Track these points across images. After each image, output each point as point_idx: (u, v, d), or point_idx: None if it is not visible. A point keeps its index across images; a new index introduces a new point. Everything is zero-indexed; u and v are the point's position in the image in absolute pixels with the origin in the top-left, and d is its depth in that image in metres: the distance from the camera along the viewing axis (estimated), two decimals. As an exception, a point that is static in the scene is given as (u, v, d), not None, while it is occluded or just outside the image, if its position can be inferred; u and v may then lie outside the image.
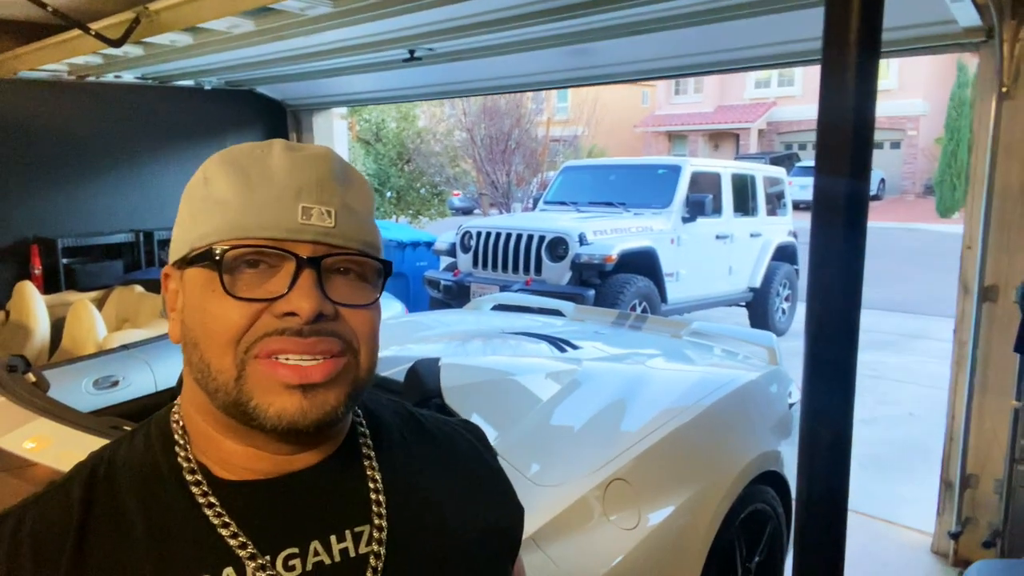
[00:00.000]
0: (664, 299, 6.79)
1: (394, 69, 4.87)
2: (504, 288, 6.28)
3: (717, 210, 7.40)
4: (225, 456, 0.64)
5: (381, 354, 2.51)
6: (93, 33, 3.73)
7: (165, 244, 5.50)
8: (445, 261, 7.59)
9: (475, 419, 1.81)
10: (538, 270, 6.55)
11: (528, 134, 15.25)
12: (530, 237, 6.63)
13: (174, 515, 0.61)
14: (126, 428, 1.57)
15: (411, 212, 14.02)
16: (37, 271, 5.21)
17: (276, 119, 6.69)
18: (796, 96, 26.58)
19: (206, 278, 0.60)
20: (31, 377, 1.92)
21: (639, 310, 6.30)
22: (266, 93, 6.49)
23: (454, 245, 7.25)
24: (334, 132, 7.21)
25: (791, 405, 2.59)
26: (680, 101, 29.13)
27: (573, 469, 1.80)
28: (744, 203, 7.80)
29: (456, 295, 6.81)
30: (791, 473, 2.40)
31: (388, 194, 13.75)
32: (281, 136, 5.75)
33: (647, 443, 1.95)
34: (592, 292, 6.20)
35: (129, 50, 4.08)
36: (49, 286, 5.15)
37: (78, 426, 1.54)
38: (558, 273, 6.44)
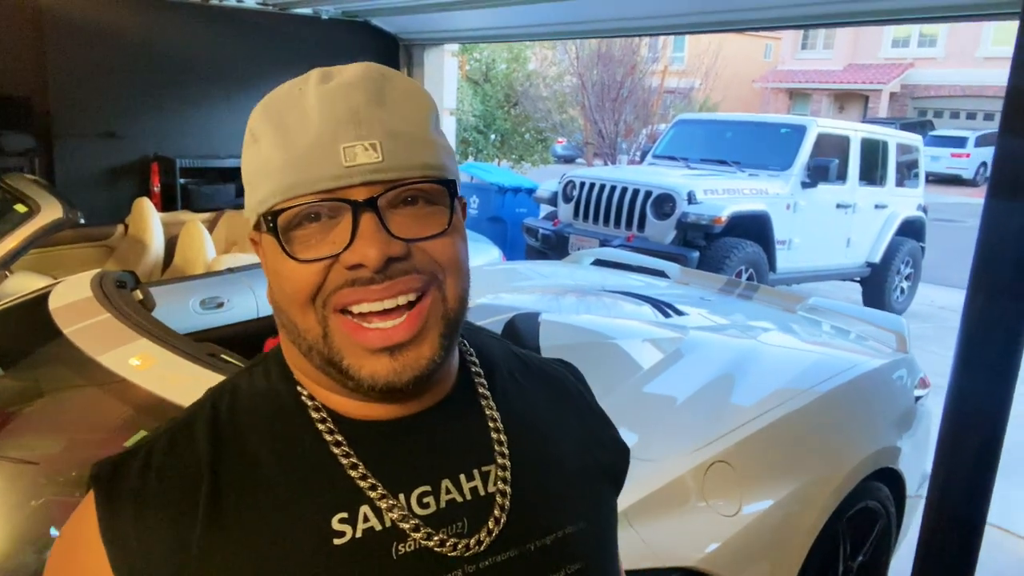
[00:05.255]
0: (773, 268, 6.44)
1: (512, 5, 4.71)
2: (604, 242, 6.10)
3: (841, 176, 6.88)
4: (339, 407, 0.64)
5: (476, 301, 2.39)
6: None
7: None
8: (545, 209, 7.45)
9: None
10: (641, 226, 6.31)
11: (641, 84, 14.63)
12: (636, 191, 6.37)
13: (304, 453, 0.61)
14: (223, 357, 1.55)
15: (514, 156, 13.86)
16: (156, 189, 5.45)
17: (389, 53, 6.65)
18: (937, 58, 24.42)
19: (273, 243, 0.59)
20: (138, 295, 1.95)
21: (744, 277, 5.99)
22: (381, 26, 6.45)
23: (556, 194, 7.09)
24: (444, 69, 7.11)
25: (917, 399, 2.36)
26: (806, 56, 27.34)
27: (672, 445, 1.68)
28: (872, 171, 7.21)
29: (554, 245, 6.69)
30: (908, 469, 2.20)
31: (492, 137, 13.64)
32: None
33: (755, 426, 1.81)
34: (696, 254, 5.93)
35: (250, -27, 4.08)
36: (166, 204, 5.38)
37: (176, 350, 1.53)
38: (662, 231, 6.19)
